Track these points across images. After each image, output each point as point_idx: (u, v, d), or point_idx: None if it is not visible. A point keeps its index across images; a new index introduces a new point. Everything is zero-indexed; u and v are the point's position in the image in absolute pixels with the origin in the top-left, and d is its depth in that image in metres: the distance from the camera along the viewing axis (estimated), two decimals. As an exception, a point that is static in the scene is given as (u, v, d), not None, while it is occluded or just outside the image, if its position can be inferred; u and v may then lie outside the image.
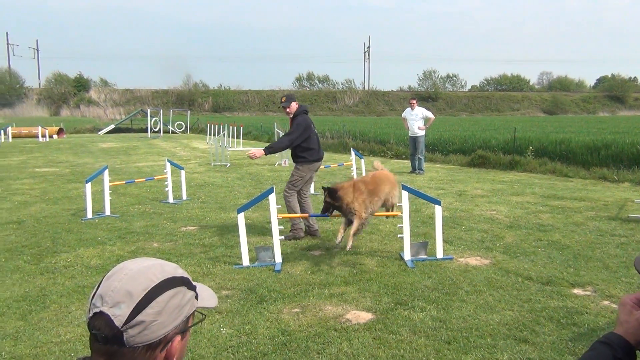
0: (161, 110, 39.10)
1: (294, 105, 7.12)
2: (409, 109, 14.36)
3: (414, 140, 14.17)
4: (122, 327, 1.13)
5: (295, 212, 6.86)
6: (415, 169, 14.17)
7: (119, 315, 1.13)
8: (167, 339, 1.17)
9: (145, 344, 1.14)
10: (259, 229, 7.62)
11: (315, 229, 7.16)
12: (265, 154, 6.72)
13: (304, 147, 7.01)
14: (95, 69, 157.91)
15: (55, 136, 31.76)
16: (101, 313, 1.14)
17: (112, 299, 1.14)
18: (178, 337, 1.19)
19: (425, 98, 78.40)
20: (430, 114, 14.20)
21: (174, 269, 1.22)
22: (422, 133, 14.10)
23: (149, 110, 38.17)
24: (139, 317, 1.14)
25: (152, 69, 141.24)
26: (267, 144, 7.34)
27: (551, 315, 4.36)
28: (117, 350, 1.14)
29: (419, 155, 14.02)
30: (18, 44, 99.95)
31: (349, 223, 5.82)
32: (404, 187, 6.09)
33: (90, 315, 1.15)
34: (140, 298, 1.14)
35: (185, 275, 1.24)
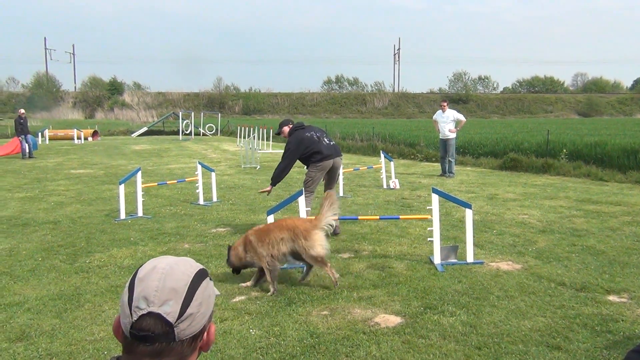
0: (192, 113, 39.61)
1: (285, 129, 7.56)
2: (440, 111, 14.29)
3: (445, 142, 14.10)
4: (175, 322, 1.18)
5: None
6: (445, 172, 14.12)
7: (170, 312, 1.18)
8: (205, 327, 1.25)
9: (192, 335, 1.21)
10: (288, 231, 7.64)
11: (336, 227, 7.22)
12: (274, 186, 7.28)
13: (306, 156, 7.28)
14: (129, 72, 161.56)
15: (90, 138, 32.50)
16: (150, 314, 1.17)
17: (159, 298, 1.18)
18: (212, 324, 1.28)
19: (455, 100, 77.54)
20: (461, 117, 14.11)
21: (195, 262, 1.29)
22: (453, 136, 14.02)
23: (180, 113, 38.78)
24: (188, 311, 1.19)
25: (184, 72, 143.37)
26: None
27: (585, 322, 4.27)
28: (165, 347, 1.18)
29: (450, 158, 13.99)
30: (55, 49, 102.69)
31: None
32: (434, 190, 6.04)
33: (136, 318, 1.18)
34: (185, 293, 1.20)
35: (204, 267, 1.31)
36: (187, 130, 36.69)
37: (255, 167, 16.51)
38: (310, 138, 7.27)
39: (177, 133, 37.83)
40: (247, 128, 26.83)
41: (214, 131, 39.87)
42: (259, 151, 18.55)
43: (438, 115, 14.33)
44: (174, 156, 21.11)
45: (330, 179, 7.45)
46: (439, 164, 15.27)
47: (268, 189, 7.44)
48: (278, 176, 7.25)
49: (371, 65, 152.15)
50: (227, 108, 75.21)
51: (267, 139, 25.54)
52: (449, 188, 11.79)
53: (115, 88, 75.29)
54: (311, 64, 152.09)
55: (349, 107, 77.02)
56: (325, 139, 7.40)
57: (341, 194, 10.76)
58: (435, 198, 6.02)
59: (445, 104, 14.27)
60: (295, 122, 7.59)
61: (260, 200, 10.35)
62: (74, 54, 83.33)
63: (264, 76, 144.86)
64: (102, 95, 73.99)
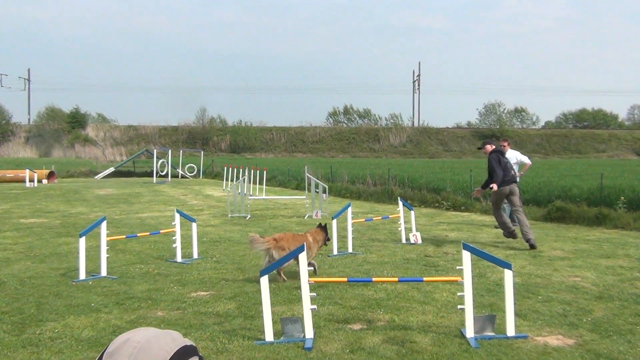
0: (170, 151, 40.07)
1: (488, 148, 12.23)
2: None
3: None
4: None
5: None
6: (513, 221, 13.79)
7: None
8: None
9: None
10: (285, 296, 7.59)
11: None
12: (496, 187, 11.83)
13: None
14: (94, 102, 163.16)
15: (44, 181, 32.69)
16: None
17: None
18: None
19: (487, 136, 78.20)
20: (525, 159, 14.38)
21: (181, 337, 1.25)
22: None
23: (155, 151, 39.21)
24: None
25: (160, 103, 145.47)
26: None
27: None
28: None
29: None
30: (7, 74, 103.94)
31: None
32: (465, 246, 6.01)
33: None
34: None
35: (193, 343, 1.26)
36: (162, 172, 36.99)
37: (245, 217, 16.53)
38: (505, 163, 11.68)
39: (150, 175, 38.10)
40: (235, 169, 27.03)
41: (195, 172, 40.18)
42: (250, 197, 18.62)
43: None
44: (146, 203, 21.18)
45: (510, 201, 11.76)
46: (469, 214, 15.24)
47: (479, 190, 12.23)
48: (496, 180, 11.58)
49: (386, 95, 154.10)
50: (211, 145, 76.04)
51: (260, 182, 25.67)
52: (484, 243, 11.74)
53: (77, 120, 76.31)
54: (313, 92, 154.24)
55: (359, 144, 77.76)
56: (511, 171, 11.76)
57: (350, 249, 10.73)
58: (466, 256, 5.97)
59: (506, 143, 14.46)
60: (494, 146, 12.21)
61: (251, 257, 10.31)
62: (29, 80, 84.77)
63: (256, 107, 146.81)
64: (61, 129, 74.98)
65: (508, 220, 11.83)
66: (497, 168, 11.61)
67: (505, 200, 11.95)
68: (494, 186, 11.51)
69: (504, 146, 14.49)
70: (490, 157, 11.81)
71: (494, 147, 12.17)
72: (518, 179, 13.44)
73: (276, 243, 8.56)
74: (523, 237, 11.25)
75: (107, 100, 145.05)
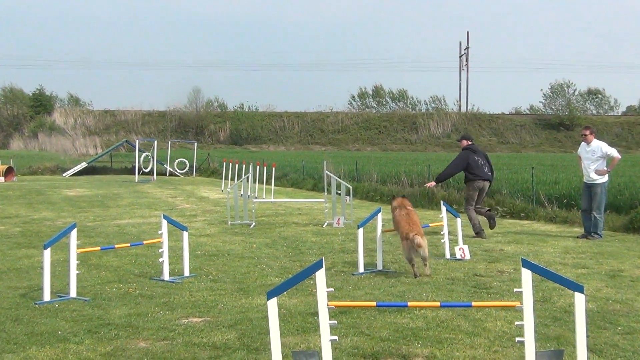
0: (155, 142, 40.27)
1: (463, 142, 15.34)
2: (584, 143, 14.54)
3: (589, 189, 14.35)
4: None
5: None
6: (589, 233, 14.24)
7: None
8: None
9: None
10: (298, 324, 7.59)
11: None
12: (437, 183, 15.83)
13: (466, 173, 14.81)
14: (62, 82, 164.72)
15: (0, 179, 33.00)
16: None
17: None
18: None
19: (554, 125, 77.76)
20: (614, 152, 14.37)
21: None
22: (601, 180, 14.25)
23: (137, 142, 39.41)
24: None
25: (143, 83, 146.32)
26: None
27: None
28: None
29: (595, 213, 14.18)
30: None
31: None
32: (525, 263, 5.96)
33: None
34: None
35: None
36: (146, 168, 37.22)
37: (249, 225, 16.56)
38: (475, 162, 14.49)
39: (131, 171, 38.34)
40: (236, 165, 27.06)
41: (186, 169, 40.39)
42: (255, 200, 18.66)
43: (582, 149, 14.63)
44: (126, 206, 21.32)
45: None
46: (534, 222, 15.16)
47: (432, 183, 15.32)
48: (444, 177, 14.99)
49: (426, 73, 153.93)
50: (207, 135, 76.58)
51: (268, 182, 25.65)
52: (548, 259, 11.67)
53: (41, 104, 77.01)
54: (335, 69, 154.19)
55: (391, 134, 77.77)
56: (485, 168, 14.61)
57: (380, 266, 10.71)
58: (526, 275, 5.93)
59: (588, 132, 14.45)
60: (471, 143, 15.06)
61: (255, 276, 10.33)
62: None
63: (262, 88, 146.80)
64: (22, 115, 75.73)
65: (477, 220, 14.53)
66: (454, 167, 14.90)
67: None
68: (431, 183, 15.72)
69: (586, 135, 14.42)
70: (460, 153, 14.90)
71: (470, 143, 14.99)
72: (606, 178, 14.39)
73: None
74: (473, 228, 14.51)
75: (79, 80, 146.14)
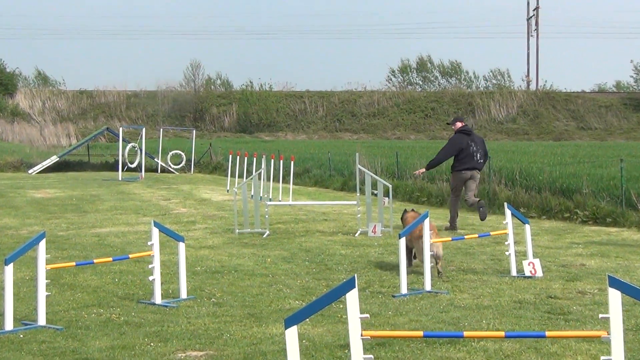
0: (144, 130, 40.47)
1: (457, 124, 16.86)
2: None
3: None
4: None
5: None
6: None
7: None
8: None
9: None
10: (325, 358, 7.58)
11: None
12: (427, 170, 19.14)
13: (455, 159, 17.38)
14: (27, 55, 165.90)
15: (-48, 177, 33.30)
16: None
17: None
18: None
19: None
20: None
21: None
22: None
23: (121, 130, 39.67)
24: None
25: (128, 55, 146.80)
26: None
27: None
28: None
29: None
30: None
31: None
32: (613, 282, 5.90)
33: None
34: None
35: None
36: (132, 163, 37.37)
37: (262, 234, 16.58)
38: (468, 147, 16.85)
39: (114, 167, 38.46)
40: (245, 158, 27.08)
41: (182, 164, 40.47)
42: (269, 202, 18.66)
43: None
44: (107, 211, 21.45)
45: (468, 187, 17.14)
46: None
47: (422, 170, 18.16)
48: (434, 164, 17.89)
49: (484, 41, 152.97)
50: (208, 120, 76.90)
51: (285, 179, 25.64)
52: (641, 277, 11.57)
53: (0, 83, 77.33)
54: (369, 38, 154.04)
55: (441, 118, 77.45)
56: (476, 155, 16.99)
57: (428, 286, 10.69)
58: (615, 297, 5.87)
59: None
60: (464, 125, 17.58)
61: (270, 298, 10.32)
62: None
63: (278, 61, 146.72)
64: (-23, 97, 76.28)
65: (455, 213, 17.29)
66: (444, 153, 17.53)
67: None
68: (420, 171, 18.71)
69: None
70: (452, 137, 17.54)
71: (464, 125, 17.55)
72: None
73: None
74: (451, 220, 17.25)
75: (48, 53, 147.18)
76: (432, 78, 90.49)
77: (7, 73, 79.32)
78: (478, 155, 17.03)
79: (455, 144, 17.10)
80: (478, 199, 17.22)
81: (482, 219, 17.04)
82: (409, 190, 24.60)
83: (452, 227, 17.11)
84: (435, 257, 11.55)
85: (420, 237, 11.12)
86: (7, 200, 24.45)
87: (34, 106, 76.50)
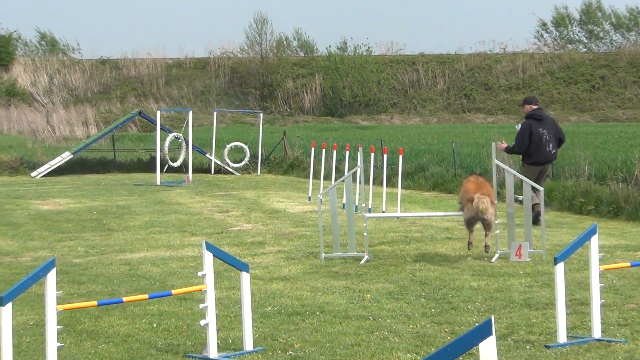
0: (190, 113, 40.55)
1: (527, 108, 19.65)
2: None
3: None
4: None
5: None
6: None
7: None
8: None
9: None
10: None
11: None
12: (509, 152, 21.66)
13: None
14: (31, 13, 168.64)
15: None
16: None
17: None
18: None
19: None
20: None
21: None
22: None
23: (158, 114, 39.80)
24: None
25: (168, 12, 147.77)
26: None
27: None
28: None
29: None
30: None
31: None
32: None
33: None
34: None
35: None
36: (175, 161, 37.62)
37: (360, 259, 16.54)
38: (539, 135, 19.93)
39: (149, 167, 38.78)
40: (334, 151, 27.06)
41: (245, 161, 40.62)
42: (368, 215, 18.64)
43: None
44: (141, 229, 21.66)
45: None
46: None
47: (505, 145, 20.52)
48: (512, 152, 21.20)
49: None
50: (281, 99, 76.94)
51: (391, 181, 25.56)
52: None
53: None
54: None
55: (614, 90, 76.52)
56: (549, 145, 20.08)
57: (597, 332, 10.61)
58: None
59: None
60: (535, 108, 20.49)
61: (372, 350, 10.33)
62: None
63: (379, 15, 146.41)
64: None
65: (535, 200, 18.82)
66: (518, 145, 20.29)
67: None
68: (501, 144, 20.58)
69: None
70: (522, 123, 20.44)
71: (534, 107, 20.58)
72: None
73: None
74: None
75: (57, 7, 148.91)
76: (602, 34, 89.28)
77: (2, 37, 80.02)
78: (550, 145, 20.18)
79: (525, 133, 20.15)
80: (536, 202, 18.74)
81: (534, 224, 18.04)
82: (568, 194, 24.37)
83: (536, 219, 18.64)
84: (485, 226, 13.90)
85: (470, 200, 14.01)
86: (3, 215, 24.86)
87: (37, 82, 77.31)
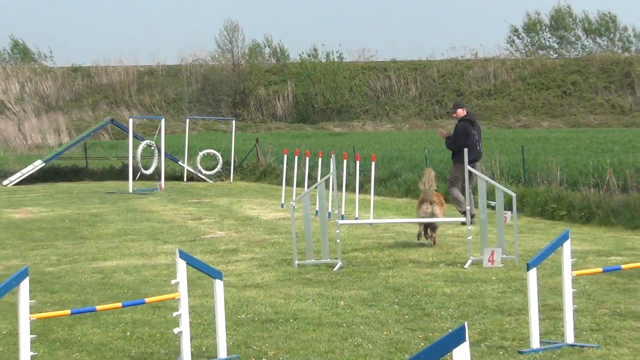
0: (163, 121, 40.59)
1: (460, 112, 22.64)
2: None
3: None
4: None
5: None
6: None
7: None
8: None
9: None
10: None
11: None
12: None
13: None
14: (4, 20, 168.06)
15: None
16: None
17: None
18: None
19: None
20: None
21: None
22: None
23: (131, 122, 39.73)
24: None
25: (141, 20, 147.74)
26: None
27: None
28: None
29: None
30: None
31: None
32: None
33: None
34: None
35: None
36: (147, 168, 37.56)
37: (333, 266, 16.57)
38: (472, 136, 21.95)
39: (121, 175, 38.73)
40: (307, 158, 27.08)
41: (218, 168, 40.61)
42: (341, 222, 18.66)
43: None
44: (114, 237, 21.65)
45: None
46: None
47: (446, 133, 23.12)
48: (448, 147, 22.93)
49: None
50: (254, 106, 76.89)
51: (363, 187, 25.53)
52: None
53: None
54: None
55: (584, 95, 76.77)
56: (478, 144, 22.41)
57: (569, 337, 10.67)
58: None
59: None
60: (467, 112, 22.99)
61: (345, 357, 10.35)
62: None
63: (350, 21, 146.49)
64: None
65: (461, 198, 21.35)
66: (459, 143, 21.39)
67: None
68: (442, 131, 24.07)
69: None
70: (458, 125, 22.31)
71: (466, 112, 22.64)
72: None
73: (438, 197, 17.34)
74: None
75: (29, 15, 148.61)
76: (573, 39, 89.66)
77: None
78: (479, 145, 22.45)
79: (463, 134, 21.92)
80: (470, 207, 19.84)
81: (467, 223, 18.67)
82: (540, 200, 24.47)
83: (464, 211, 19.86)
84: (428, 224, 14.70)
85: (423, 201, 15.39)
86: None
87: (9, 91, 77.23)
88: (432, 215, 17.78)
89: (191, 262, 10.58)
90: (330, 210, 18.34)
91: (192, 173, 39.95)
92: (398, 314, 12.62)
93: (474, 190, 20.05)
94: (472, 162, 19.97)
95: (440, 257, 17.55)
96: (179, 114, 62.49)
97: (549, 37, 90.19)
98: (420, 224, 18.53)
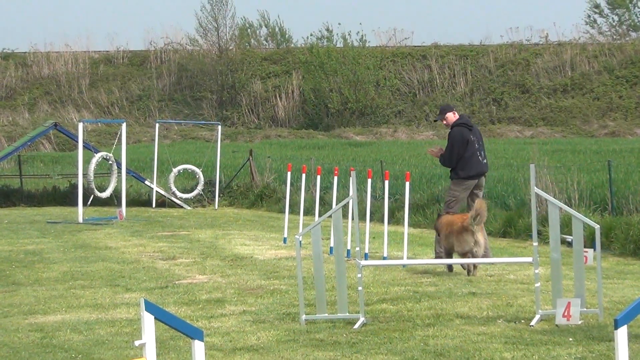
0: (124, 126, 40.74)
1: (450, 117, 22.60)
2: None
3: None
4: None
5: None
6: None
7: None
8: None
9: None
10: None
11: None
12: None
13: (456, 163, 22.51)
14: None
15: None
16: None
17: None
18: None
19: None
20: None
21: None
22: None
23: (81, 127, 39.96)
24: None
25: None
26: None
27: None
28: None
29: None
30: None
31: None
32: None
33: None
34: None
35: None
36: (105, 191, 37.71)
37: (354, 323, 16.63)
38: (472, 144, 22.25)
39: (68, 199, 38.90)
40: (318, 177, 27.22)
41: (198, 189, 40.72)
42: (363, 263, 18.73)
43: None
44: (58, 282, 21.68)
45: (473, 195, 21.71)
46: None
47: (437, 149, 23.26)
48: (445, 163, 23.32)
49: None
50: (246, 106, 77.02)
51: (394, 218, 25.63)
52: None
53: None
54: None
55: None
56: (481, 154, 22.56)
57: None
58: None
59: None
60: (460, 115, 23.07)
61: None
62: None
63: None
64: None
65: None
66: (456, 150, 21.88)
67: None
68: (434, 150, 23.34)
69: None
70: (452, 132, 22.35)
71: (459, 116, 22.92)
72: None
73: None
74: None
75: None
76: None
77: None
78: (482, 154, 22.44)
79: (463, 141, 22.07)
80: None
81: (469, 272, 20.51)
82: (633, 234, 24.40)
83: (440, 253, 21.42)
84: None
85: (456, 231, 16.24)
86: None
87: None
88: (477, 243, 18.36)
89: (161, 316, 10.63)
90: (349, 247, 18.28)
91: (164, 196, 40.06)
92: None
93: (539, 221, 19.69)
94: (475, 177, 21.18)
95: (498, 311, 17.56)
96: (146, 117, 62.78)
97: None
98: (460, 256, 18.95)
